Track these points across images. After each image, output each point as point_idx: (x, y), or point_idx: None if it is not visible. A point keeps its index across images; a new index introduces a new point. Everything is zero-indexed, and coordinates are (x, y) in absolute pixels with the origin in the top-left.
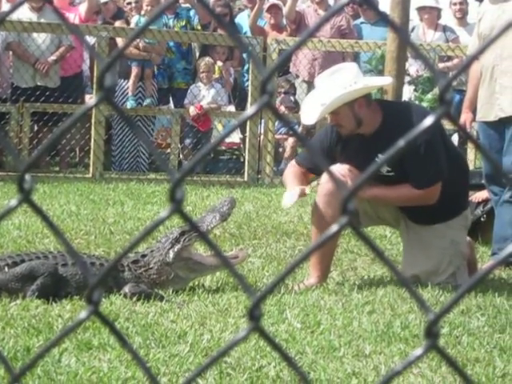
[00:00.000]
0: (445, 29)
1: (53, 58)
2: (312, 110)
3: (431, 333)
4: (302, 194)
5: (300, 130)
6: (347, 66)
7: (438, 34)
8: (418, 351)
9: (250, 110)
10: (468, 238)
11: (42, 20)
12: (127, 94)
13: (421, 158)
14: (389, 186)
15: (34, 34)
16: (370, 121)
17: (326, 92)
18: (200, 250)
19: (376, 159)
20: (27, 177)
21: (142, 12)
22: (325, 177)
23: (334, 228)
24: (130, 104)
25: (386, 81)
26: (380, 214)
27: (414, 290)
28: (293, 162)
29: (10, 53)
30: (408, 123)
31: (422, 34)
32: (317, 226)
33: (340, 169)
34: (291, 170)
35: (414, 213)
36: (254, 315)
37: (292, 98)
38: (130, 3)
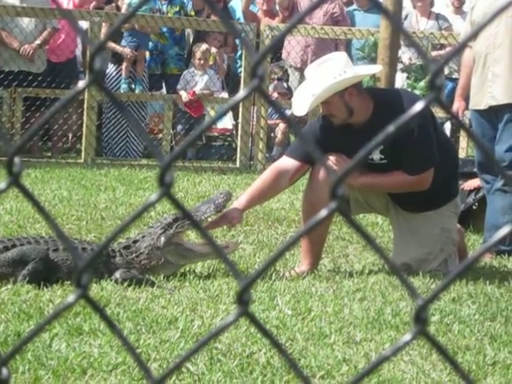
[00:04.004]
0: (438, 17)
1: (37, 42)
2: (303, 100)
3: (420, 318)
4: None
5: (290, 113)
6: (336, 56)
7: (431, 22)
8: (407, 337)
9: (241, 93)
10: (458, 226)
11: (25, 5)
12: (119, 79)
13: (413, 143)
14: (382, 174)
15: (18, 19)
16: (361, 110)
17: (316, 82)
18: (192, 238)
19: None
20: (16, 160)
21: None
22: (317, 164)
23: (323, 213)
24: (123, 88)
25: (376, 69)
26: (370, 201)
27: (404, 276)
28: (284, 157)
29: None
30: (399, 110)
31: (415, 21)
32: (307, 213)
33: (333, 158)
34: (268, 173)
35: (405, 200)
36: (243, 300)
37: (285, 84)
38: None
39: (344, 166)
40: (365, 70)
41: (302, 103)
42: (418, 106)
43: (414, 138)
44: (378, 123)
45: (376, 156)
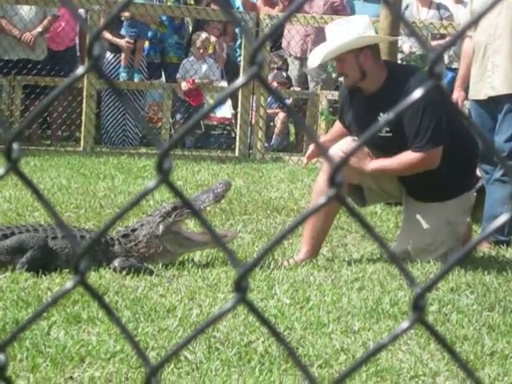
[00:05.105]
0: (439, 6)
1: (38, 29)
2: (317, 53)
3: (418, 306)
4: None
5: (290, 103)
6: (359, 17)
7: (432, 11)
8: (405, 324)
9: (239, 80)
10: (467, 220)
11: None
12: (118, 67)
13: (418, 119)
14: (390, 157)
15: (18, 7)
16: (374, 76)
17: (334, 38)
18: (191, 227)
19: (378, 117)
20: (15, 146)
21: None
22: (333, 148)
23: (322, 200)
24: (122, 77)
25: (393, 39)
26: (384, 187)
27: (402, 265)
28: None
29: None
30: (408, 86)
31: (416, 11)
32: (315, 197)
33: (343, 146)
34: (332, 129)
35: (416, 188)
36: (240, 287)
37: (284, 73)
38: None
39: (357, 158)
40: (383, 37)
41: (315, 56)
42: (417, 94)
43: (420, 115)
44: (386, 95)
45: (384, 128)
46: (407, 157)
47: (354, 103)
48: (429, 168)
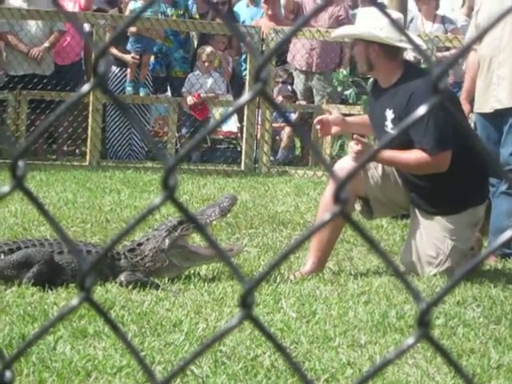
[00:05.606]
0: (443, 20)
1: (46, 44)
2: (339, 29)
3: (423, 322)
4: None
5: (295, 118)
6: (392, 14)
7: (437, 25)
8: (410, 340)
9: (244, 97)
10: (477, 235)
11: (32, 7)
12: (123, 81)
13: (426, 122)
14: (399, 150)
15: (24, 22)
16: (383, 72)
17: (356, 21)
18: (197, 241)
19: (385, 113)
20: (20, 163)
21: None
22: (338, 164)
23: (327, 216)
24: (127, 91)
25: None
26: (391, 196)
27: (408, 280)
28: None
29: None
30: (413, 92)
31: (421, 24)
32: (322, 212)
33: (348, 162)
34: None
35: (421, 198)
36: (246, 303)
37: (289, 87)
38: None
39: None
40: (399, 42)
41: (336, 31)
42: (422, 111)
43: (427, 117)
44: (394, 94)
45: (388, 126)
46: (416, 155)
47: (373, 94)
48: (437, 171)
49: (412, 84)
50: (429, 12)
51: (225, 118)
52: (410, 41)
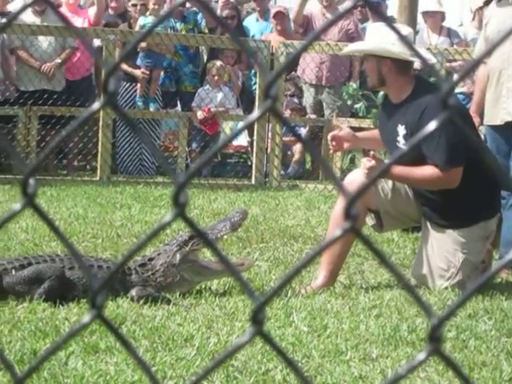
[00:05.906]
0: (449, 32)
1: (58, 60)
2: (350, 46)
3: (434, 337)
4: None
5: (305, 132)
6: (402, 29)
7: (443, 38)
8: (421, 355)
9: (254, 114)
10: (488, 248)
11: (45, 23)
12: (134, 96)
13: (437, 138)
14: (411, 166)
15: (38, 38)
16: (395, 87)
17: (366, 37)
18: (208, 255)
19: (397, 129)
20: (31, 181)
21: (148, 12)
22: (348, 177)
23: (337, 232)
24: (138, 106)
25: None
26: (402, 209)
27: (418, 294)
28: None
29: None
30: (425, 107)
31: (427, 37)
32: (332, 227)
33: (358, 176)
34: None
35: (432, 211)
36: (257, 319)
37: (297, 99)
38: (135, 5)
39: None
40: (412, 56)
41: (348, 47)
42: (432, 126)
43: (439, 132)
44: (406, 110)
45: (400, 141)
46: (427, 171)
47: (384, 109)
48: (448, 187)
49: (424, 100)
50: (435, 24)
51: (235, 135)
52: (420, 56)
